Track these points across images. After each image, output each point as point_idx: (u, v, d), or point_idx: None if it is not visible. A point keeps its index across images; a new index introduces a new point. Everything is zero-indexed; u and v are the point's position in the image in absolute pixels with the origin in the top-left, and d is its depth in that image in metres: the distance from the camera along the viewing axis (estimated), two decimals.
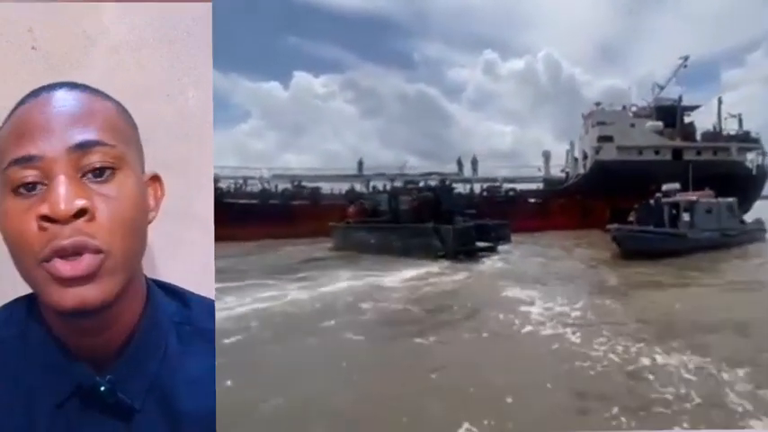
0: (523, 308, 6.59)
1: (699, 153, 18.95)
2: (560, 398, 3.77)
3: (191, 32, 1.55)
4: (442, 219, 11.92)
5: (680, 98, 19.94)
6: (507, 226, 12.87)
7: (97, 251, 1.05)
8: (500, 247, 12.06)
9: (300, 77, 21.15)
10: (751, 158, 19.90)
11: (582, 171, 19.61)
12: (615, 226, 11.37)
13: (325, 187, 18.89)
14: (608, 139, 18.96)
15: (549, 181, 20.18)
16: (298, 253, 12.12)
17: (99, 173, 1.08)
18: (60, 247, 1.03)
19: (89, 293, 1.06)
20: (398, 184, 16.72)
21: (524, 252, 12.12)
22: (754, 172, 19.58)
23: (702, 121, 20.30)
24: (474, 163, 19.87)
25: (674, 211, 12.26)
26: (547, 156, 20.68)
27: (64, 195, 1.03)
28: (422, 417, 3.52)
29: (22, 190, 1.06)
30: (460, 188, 17.74)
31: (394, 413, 3.53)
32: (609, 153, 18.77)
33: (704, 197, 12.59)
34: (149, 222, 1.18)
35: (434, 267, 9.84)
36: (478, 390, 3.90)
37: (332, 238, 14.03)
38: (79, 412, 1.16)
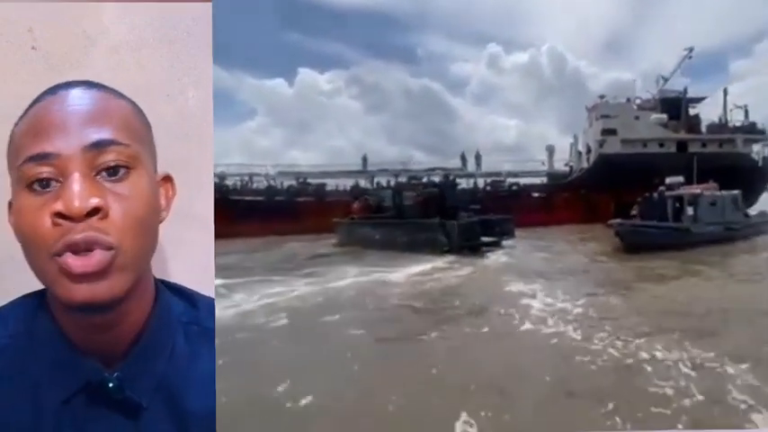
0: (525, 300, 6.64)
1: (704, 145, 18.79)
2: (562, 391, 3.80)
3: (191, 32, 1.56)
4: (447, 214, 11.93)
5: (685, 90, 19.78)
6: (511, 221, 12.82)
7: (108, 247, 1.07)
8: (504, 242, 12.04)
9: (305, 74, 21.05)
10: (757, 150, 19.71)
11: (586, 165, 19.51)
12: (618, 221, 11.29)
13: (330, 183, 18.86)
14: (612, 132, 18.82)
15: (552, 175, 20.05)
16: (303, 249, 12.14)
17: (113, 171, 1.10)
18: (73, 242, 1.05)
19: (99, 289, 1.07)
20: (402, 179, 16.71)
21: (528, 247, 12.08)
22: (760, 164, 19.41)
23: (708, 112, 20.08)
24: (477, 158, 19.79)
25: (678, 205, 12.15)
26: (550, 150, 20.55)
27: (78, 193, 1.05)
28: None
29: (36, 186, 1.07)
30: (464, 183, 17.69)
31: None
32: (613, 146, 18.64)
33: (708, 190, 12.46)
34: (160, 222, 1.19)
35: (440, 262, 9.88)
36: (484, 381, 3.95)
37: (336, 233, 14.05)
38: (85, 408, 1.18)
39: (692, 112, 19.99)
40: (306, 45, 23.52)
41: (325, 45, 27.24)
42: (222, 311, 6.05)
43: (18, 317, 1.22)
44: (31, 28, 1.50)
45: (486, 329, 5.52)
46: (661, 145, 18.79)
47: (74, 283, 1.06)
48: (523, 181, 19.57)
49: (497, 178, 19.39)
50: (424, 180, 15.65)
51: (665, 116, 19.31)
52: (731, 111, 20.01)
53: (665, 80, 20.25)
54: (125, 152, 1.11)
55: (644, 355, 4.50)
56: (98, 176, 1.09)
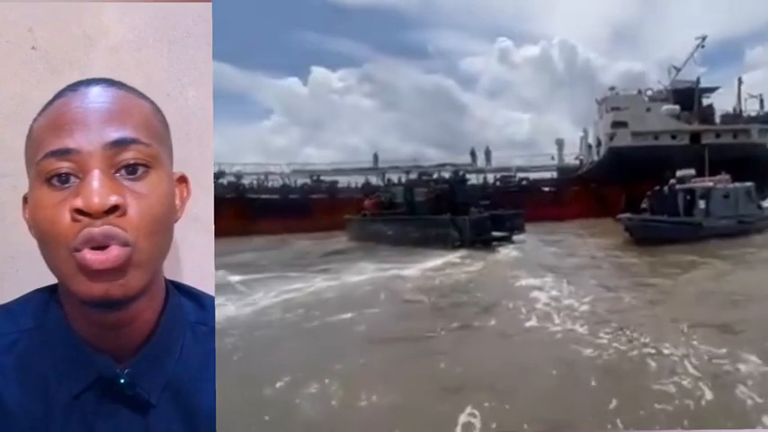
0: (534, 293, 6.74)
1: (718, 136, 18.50)
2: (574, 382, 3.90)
3: (191, 32, 1.56)
4: (458, 210, 11.97)
5: (698, 80, 19.47)
6: (521, 216, 12.79)
7: (125, 243, 1.07)
8: (514, 237, 12.03)
9: (318, 72, 21.06)
10: None
11: (596, 158, 19.33)
12: (627, 215, 11.15)
13: (342, 181, 18.94)
14: (622, 124, 18.57)
15: (562, 169, 19.87)
16: (317, 246, 12.29)
17: (132, 170, 1.11)
18: (91, 236, 1.06)
19: (114, 286, 1.08)
20: (413, 175, 16.75)
21: (538, 242, 12.06)
22: None
23: (723, 102, 19.71)
24: (487, 153, 19.71)
25: (689, 198, 11.87)
26: (560, 143, 20.39)
27: (98, 190, 1.06)
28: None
29: (54, 181, 1.08)
30: (474, 179, 17.64)
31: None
32: (623, 139, 18.39)
33: (720, 182, 12.23)
34: (175, 221, 1.20)
35: (453, 257, 9.99)
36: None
37: (347, 230, 14.14)
38: (95, 404, 1.19)
39: (705, 102, 19.68)
40: (318, 43, 23.51)
41: (337, 43, 27.22)
42: (240, 309, 6.18)
43: (29, 312, 1.23)
44: (31, 28, 1.50)
45: (493, 323, 5.66)
46: (673, 137, 18.50)
47: (91, 280, 1.07)
48: (533, 176, 19.46)
49: (507, 173, 19.31)
50: (435, 176, 15.66)
51: (677, 107, 18.99)
52: (746, 100, 19.68)
53: (678, 70, 19.89)
54: (145, 151, 1.12)
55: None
56: (117, 174, 1.09)
